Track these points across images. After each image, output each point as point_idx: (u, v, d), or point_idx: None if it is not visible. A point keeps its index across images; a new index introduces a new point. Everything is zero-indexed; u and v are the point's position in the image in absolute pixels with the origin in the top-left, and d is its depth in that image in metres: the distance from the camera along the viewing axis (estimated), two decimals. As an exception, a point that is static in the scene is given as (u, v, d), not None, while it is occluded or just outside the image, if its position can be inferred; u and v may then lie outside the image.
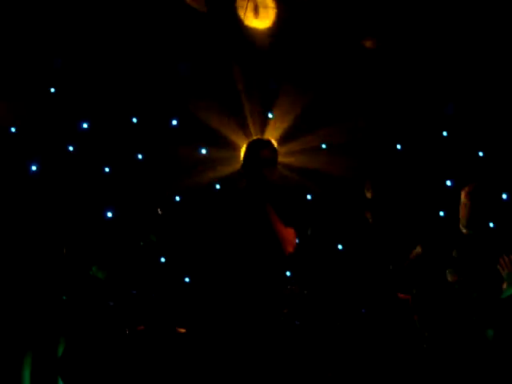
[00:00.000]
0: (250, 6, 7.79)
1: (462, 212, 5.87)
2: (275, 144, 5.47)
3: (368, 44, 7.94)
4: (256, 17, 7.86)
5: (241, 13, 7.85)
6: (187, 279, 7.90)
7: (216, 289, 5.34)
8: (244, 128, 8.23)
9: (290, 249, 5.24)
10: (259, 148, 5.35)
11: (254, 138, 5.65)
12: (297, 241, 5.31)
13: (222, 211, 5.43)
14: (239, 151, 7.89)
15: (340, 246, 8.13)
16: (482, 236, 5.94)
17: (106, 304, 7.05)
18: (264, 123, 8.33)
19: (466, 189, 5.81)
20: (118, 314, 6.79)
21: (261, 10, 7.83)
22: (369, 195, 7.81)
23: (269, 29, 7.92)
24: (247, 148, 5.44)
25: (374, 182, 7.84)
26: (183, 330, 6.61)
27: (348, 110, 8.33)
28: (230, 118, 8.19)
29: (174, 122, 8.32)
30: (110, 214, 7.83)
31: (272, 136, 7.97)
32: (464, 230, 5.90)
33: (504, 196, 8.14)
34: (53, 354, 5.34)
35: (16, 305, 5.46)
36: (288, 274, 7.80)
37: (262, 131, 8.22)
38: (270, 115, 8.34)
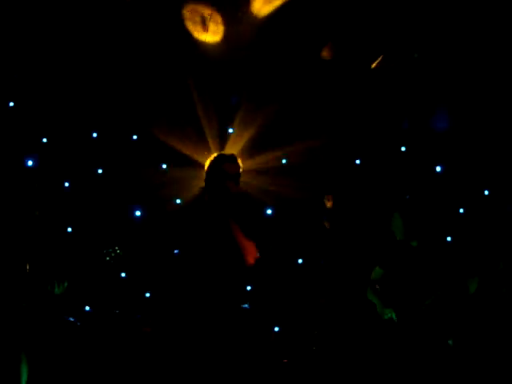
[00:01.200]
0: (197, 19, 7.83)
1: None
2: (238, 158, 5.53)
3: (325, 54, 8.01)
4: (205, 30, 7.89)
5: (190, 26, 7.89)
6: (147, 294, 7.89)
7: (177, 301, 5.37)
8: (204, 143, 8.26)
9: (251, 260, 5.31)
10: (223, 162, 5.41)
11: (218, 152, 5.68)
12: (257, 253, 5.37)
13: (184, 225, 5.48)
14: (199, 166, 7.98)
15: (300, 260, 8.19)
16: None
17: (64, 319, 7.04)
18: (224, 138, 8.36)
19: None
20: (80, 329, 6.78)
21: (210, 24, 7.87)
22: (329, 205, 7.91)
23: (221, 42, 7.94)
24: (211, 162, 5.49)
25: (334, 195, 7.93)
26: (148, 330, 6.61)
27: (308, 124, 8.39)
28: (191, 134, 8.20)
29: (134, 137, 8.31)
30: (69, 229, 7.81)
31: (232, 151, 8.04)
32: None
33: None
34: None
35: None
36: (248, 288, 7.85)
37: (222, 147, 8.25)
38: (231, 130, 8.37)
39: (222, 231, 5.32)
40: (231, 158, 5.50)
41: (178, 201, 8.12)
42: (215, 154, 5.57)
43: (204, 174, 5.49)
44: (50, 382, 5.77)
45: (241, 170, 5.51)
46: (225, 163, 5.42)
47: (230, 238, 5.29)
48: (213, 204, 5.39)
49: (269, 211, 8.12)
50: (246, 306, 6.99)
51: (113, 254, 5.48)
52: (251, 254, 5.32)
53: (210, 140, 8.26)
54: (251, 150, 8.24)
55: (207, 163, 5.52)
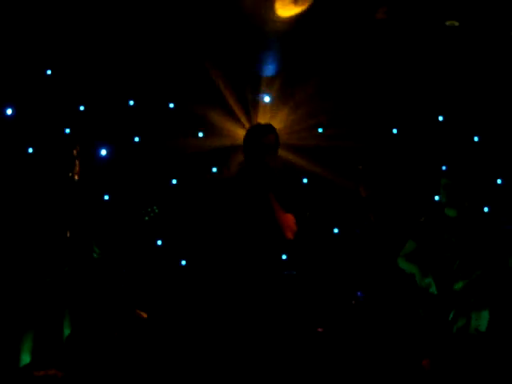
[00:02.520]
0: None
1: None
2: (276, 129, 5.48)
3: (379, 15, 7.91)
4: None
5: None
6: (183, 262, 7.94)
7: (214, 275, 5.36)
8: (241, 114, 8.25)
9: (290, 235, 5.26)
10: (261, 134, 5.35)
11: (255, 123, 5.62)
12: (296, 227, 5.34)
13: (221, 196, 5.44)
14: (236, 136, 7.98)
15: (336, 230, 8.18)
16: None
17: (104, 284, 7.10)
18: (260, 108, 8.34)
19: None
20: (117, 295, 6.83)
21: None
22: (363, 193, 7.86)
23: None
24: (248, 133, 5.44)
25: (370, 168, 7.89)
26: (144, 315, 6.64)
27: (345, 95, 8.34)
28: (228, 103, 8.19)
29: (171, 105, 8.31)
30: (106, 196, 7.86)
31: (269, 121, 8.04)
32: None
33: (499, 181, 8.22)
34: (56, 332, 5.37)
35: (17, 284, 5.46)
36: (284, 257, 7.86)
37: (258, 116, 8.23)
38: (267, 99, 8.34)
39: (260, 204, 5.29)
40: (268, 129, 5.44)
41: (215, 169, 8.13)
42: (252, 126, 5.50)
43: (242, 146, 5.45)
44: (88, 339, 5.82)
45: (279, 140, 5.45)
46: (262, 134, 5.36)
47: (269, 211, 5.25)
48: (251, 176, 5.35)
49: (305, 180, 8.13)
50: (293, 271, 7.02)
51: (151, 214, 5.49)
52: (290, 228, 5.28)
53: (246, 111, 8.26)
54: (288, 120, 8.22)
55: (244, 134, 5.47)
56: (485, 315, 5.78)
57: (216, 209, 5.40)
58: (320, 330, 7.31)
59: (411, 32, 8.01)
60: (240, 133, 7.95)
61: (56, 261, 5.39)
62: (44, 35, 7.92)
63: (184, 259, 7.92)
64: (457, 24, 7.75)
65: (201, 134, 8.26)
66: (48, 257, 5.41)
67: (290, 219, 5.28)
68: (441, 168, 8.20)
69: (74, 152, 5.71)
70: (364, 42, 8.11)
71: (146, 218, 5.49)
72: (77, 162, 5.72)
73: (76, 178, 5.72)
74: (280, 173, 5.61)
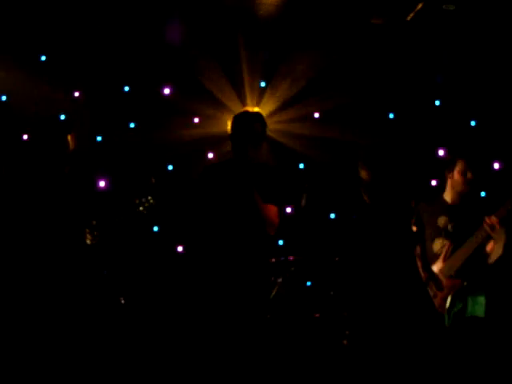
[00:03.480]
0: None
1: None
2: (264, 117, 5.38)
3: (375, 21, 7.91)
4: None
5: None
6: (180, 248, 7.93)
7: (207, 260, 5.31)
8: (236, 99, 8.22)
9: (271, 231, 5.21)
10: (248, 122, 5.24)
11: (242, 110, 5.51)
12: (278, 220, 5.26)
13: (212, 182, 5.36)
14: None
15: (332, 215, 8.16)
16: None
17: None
18: (257, 94, 8.31)
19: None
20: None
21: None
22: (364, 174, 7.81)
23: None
24: (235, 121, 5.33)
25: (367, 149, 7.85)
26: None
27: (340, 80, 8.31)
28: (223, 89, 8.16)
29: (167, 91, 8.26)
30: (102, 184, 7.83)
31: (265, 105, 8.01)
32: None
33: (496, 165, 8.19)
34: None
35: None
36: (281, 243, 7.85)
37: (255, 101, 8.20)
38: (263, 84, 8.30)
39: (244, 198, 5.20)
40: (255, 117, 5.32)
41: (211, 155, 8.11)
42: (239, 112, 5.40)
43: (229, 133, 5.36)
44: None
45: (266, 129, 5.35)
46: (248, 122, 5.24)
47: (252, 205, 5.18)
48: (236, 168, 5.27)
49: (301, 165, 8.11)
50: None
51: (146, 204, 5.45)
52: (272, 222, 5.20)
53: (242, 95, 8.22)
54: (283, 103, 8.18)
55: (230, 121, 5.38)
56: (481, 300, 5.75)
57: (203, 199, 5.33)
58: (317, 315, 7.31)
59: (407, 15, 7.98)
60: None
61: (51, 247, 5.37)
62: (37, 21, 7.87)
63: (178, 246, 7.91)
64: (452, 8, 7.72)
65: (196, 120, 8.22)
66: (42, 246, 5.39)
67: (272, 212, 5.22)
68: (437, 152, 8.18)
69: (68, 138, 5.65)
70: (359, 27, 8.08)
71: (141, 208, 5.46)
72: (70, 149, 5.66)
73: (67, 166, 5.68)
74: (265, 163, 5.54)
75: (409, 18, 7.87)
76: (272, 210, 5.21)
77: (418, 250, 6.11)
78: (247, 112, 5.52)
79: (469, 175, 5.88)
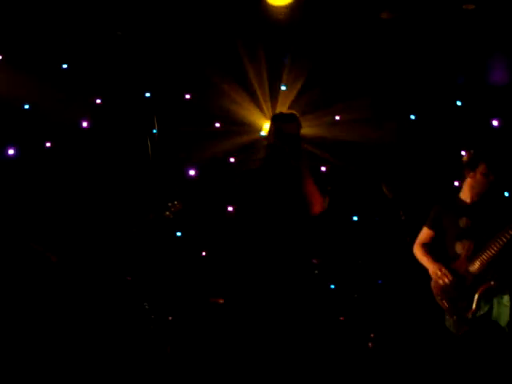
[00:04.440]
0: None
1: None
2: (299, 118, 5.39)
3: (384, 15, 7.87)
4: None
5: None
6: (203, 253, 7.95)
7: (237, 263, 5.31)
8: (256, 102, 8.23)
9: (318, 209, 5.17)
10: (282, 122, 5.27)
11: (278, 112, 5.53)
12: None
13: (242, 182, 5.38)
14: (252, 125, 7.95)
15: (355, 218, 8.16)
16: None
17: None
18: (276, 97, 8.31)
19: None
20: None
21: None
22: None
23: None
24: (271, 122, 5.36)
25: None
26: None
27: (361, 82, 8.30)
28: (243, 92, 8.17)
29: (187, 96, 8.30)
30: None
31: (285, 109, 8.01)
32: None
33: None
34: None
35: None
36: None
37: (274, 105, 8.22)
38: (283, 87, 8.31)
39: (287, 181, 5.21)
40: (289, 117, 5.35)
41: (232, 159, 8.12)
42: (274, 114, 5.42)
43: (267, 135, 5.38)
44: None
45: (300, 129, 5.35)
46: (283, 122, 5.29)
47: (296, 185, 5.17)
48: (276, 163, 5.28)
49: (323, 168, 8.10)
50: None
51: (172, 209, 5.47)
52: (319, 201, 5.18)
53: (261, 98, 8.24)
54: (304, 107, 8.18)
55: (269, 124, 5.40)
56: (506, 301, 5.72)
57: (240, 197, 5.34)
58: (342, 318, 7.32)
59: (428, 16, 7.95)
60: (260, 122, 8.00)
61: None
62: (58, 28, 7.93)
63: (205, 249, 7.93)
64: (472, 7, 7.69)
65: (217, 125, 8.24)
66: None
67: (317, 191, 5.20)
68: (460, 153, 8.15)
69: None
70: (381, 26, 8.07)
71: (167, 213, 5.48)
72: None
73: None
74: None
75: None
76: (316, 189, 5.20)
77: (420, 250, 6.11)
78: (282, 113, 5.57)
79: (491, 177, 5.87)
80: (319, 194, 5.20)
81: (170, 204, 5.51)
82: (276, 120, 5.35)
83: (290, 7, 7.57)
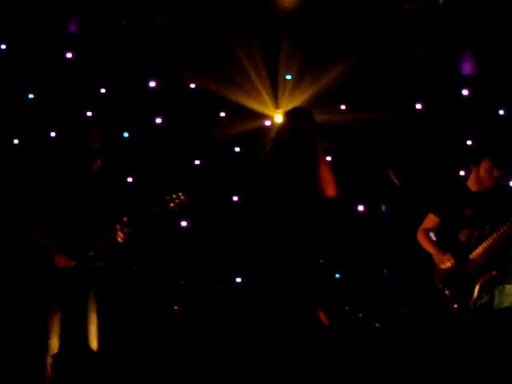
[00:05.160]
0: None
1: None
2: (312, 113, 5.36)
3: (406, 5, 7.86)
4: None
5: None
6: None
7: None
8: (261, 93, 8.23)
9: (332, 192, 5.12)
10: (296, 118, 5.24)
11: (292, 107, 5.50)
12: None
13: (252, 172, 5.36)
14: (258, 116, 7.93)
15: (361, 208, 8.14)
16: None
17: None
18: (282, 89, 8.30)
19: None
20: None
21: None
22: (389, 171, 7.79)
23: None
24: (284, 118, 5.32)
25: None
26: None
27: (367, 73, 8.28)
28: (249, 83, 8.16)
29: (192, 86, 8.29)
30: (130, 179, 7.87)
31: (294, 99, 8.00)
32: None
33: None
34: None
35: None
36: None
37: (284, 96, 8.21)
38: (289, 77, 8.28)
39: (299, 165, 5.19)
40: (303, 113, 5.28)
41: (237, 149, 8.12)
42: (288, 109, 5.39)
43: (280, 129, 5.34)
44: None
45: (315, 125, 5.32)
46: (296, 118, 5.24)
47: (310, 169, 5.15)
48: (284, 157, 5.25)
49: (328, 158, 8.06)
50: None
51: (177, 201, 5.43)
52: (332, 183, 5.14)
53: (267, 90, 8.23)
54: (310, 100, 8.16)
55: (282, 119, 5.37)
56: (508, 290, 5.71)
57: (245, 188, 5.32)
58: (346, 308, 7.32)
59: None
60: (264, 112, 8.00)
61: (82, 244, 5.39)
62: (62, 18, 7.93)
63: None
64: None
65: (223, 114, 8.23)
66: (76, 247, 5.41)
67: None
68: (465, 143, 8.13)
69: (95, 134, 5.64)
70: (386, 20, 8.05)
71: (172, 205, 5.44)
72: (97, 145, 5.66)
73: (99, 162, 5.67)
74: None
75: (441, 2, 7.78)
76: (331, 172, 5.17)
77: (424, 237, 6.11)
78: (296, 108, 5.52)
79: (495, 173, 5.85)
80: (333, 178, 5.16)
81: (174, 196, 5.45)
82: (295, 116, 5.28)
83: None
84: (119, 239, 5.40)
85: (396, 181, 7.60)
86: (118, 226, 5.38)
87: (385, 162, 7.84)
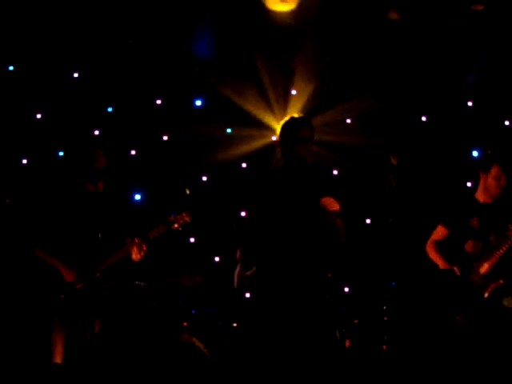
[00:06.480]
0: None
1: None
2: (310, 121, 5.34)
3: (393, 16, 7.87)
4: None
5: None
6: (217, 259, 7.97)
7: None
8: (267, 104, 8.25)
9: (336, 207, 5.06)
10: (296, 127, 5.22)
11: (289, 116, 5.46)
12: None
13: (255, 187, 5.34)
14: (263, 127, 7.95)
15: (368, 221, 8.15)
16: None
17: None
18: (286, 100, 8.32)
19: None
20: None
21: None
22: (394, 162, 7.79)
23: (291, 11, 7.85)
24: (283, 127, 5.29)
25: (400, 152, 7.83)
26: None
27: (370, 84, 8.29)
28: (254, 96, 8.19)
29: (198, 103, 8.33)
30: (138, 197, 7.91)
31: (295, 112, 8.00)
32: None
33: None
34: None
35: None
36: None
37: (285, 108, 8.22)
38: (293, 92, 8.31)
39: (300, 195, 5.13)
40: (302, 122, 5.26)
41: (244, 165, 8.15)
42: (286, 118, 5.36)
43: (278, 139, 5.33)
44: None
45: (313, 133, 5.29)
46: (296, 127, 5.17)
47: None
48: (288, 169, 5.24)
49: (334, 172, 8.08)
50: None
51: (181, 221, 5.46)
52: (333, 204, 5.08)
53: (272, 101, 8.26)
54: (313, 109, 8.18)
55: (279, 128, 5.36)
56: None
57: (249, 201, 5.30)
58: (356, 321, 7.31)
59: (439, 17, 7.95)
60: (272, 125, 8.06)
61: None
62: (69, 36, 7.99)
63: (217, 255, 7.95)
64: (481, 8, 7.67)
65: (229, 130, 8.27)
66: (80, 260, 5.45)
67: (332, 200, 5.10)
68: (471, 154, 8.13)
69: (100, 152, 5.69)
70: (391, 27, 8.07)
71: (175, 226, 5.47)
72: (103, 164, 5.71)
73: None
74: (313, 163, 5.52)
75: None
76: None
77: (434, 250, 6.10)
78: (294, 117, 5.43)
79: (502, 181, 5.85)
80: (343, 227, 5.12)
81: (178, 216, 5.49)
82: (288, 124, 5.26)
83: (297, 11, 7.60)
84: (134, 258, 5.43)
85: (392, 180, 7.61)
86: (136, 246, 5.41)
87: (389, 156, 7.85)
